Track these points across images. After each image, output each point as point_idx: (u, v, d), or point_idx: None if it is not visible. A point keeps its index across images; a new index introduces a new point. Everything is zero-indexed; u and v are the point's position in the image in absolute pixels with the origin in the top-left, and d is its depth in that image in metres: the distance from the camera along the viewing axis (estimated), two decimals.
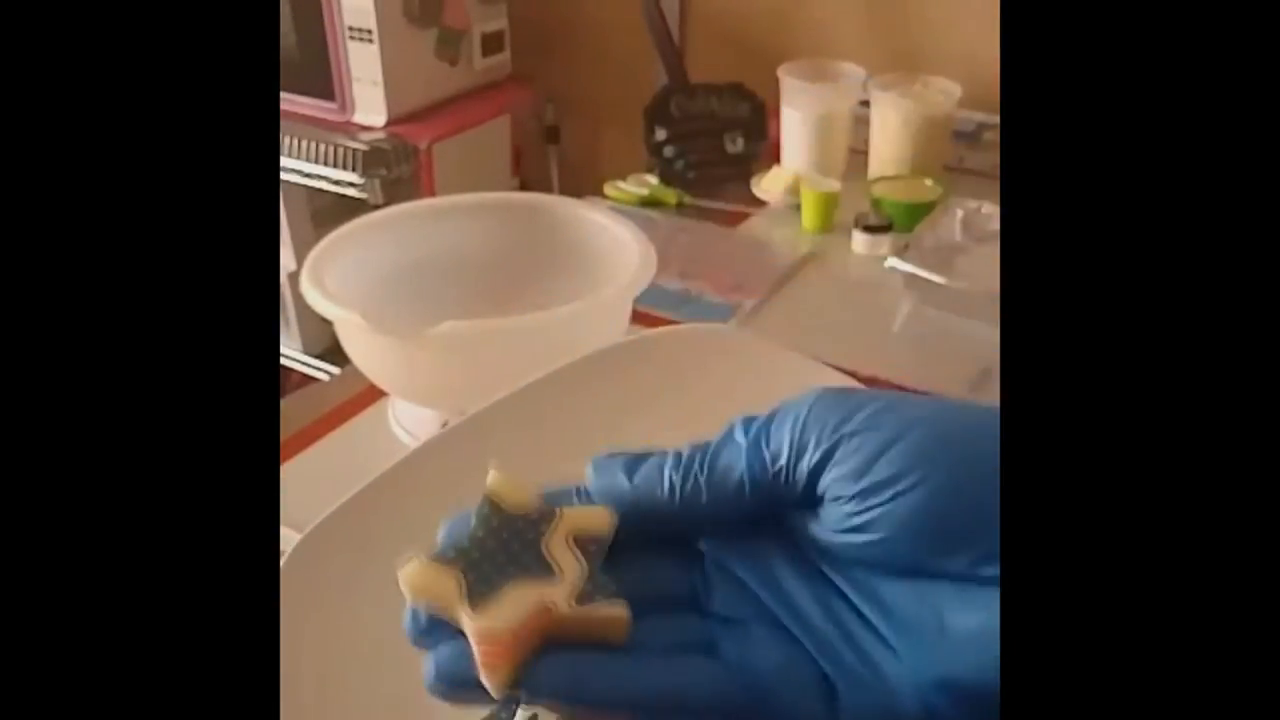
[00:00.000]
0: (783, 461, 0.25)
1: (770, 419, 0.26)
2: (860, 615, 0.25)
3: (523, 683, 0.24)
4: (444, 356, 0.54)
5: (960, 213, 0.83)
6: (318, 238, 0.60)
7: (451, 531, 0.26)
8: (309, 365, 1.48)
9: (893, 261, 0.77)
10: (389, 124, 1.31)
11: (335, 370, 0.97)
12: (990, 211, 0.84)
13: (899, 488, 0.23)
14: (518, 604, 0.24)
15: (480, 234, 0.66)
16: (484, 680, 0.24)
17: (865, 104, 1.00)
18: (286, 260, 1.42)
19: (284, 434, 0.61)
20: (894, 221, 0.86)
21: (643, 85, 1.29)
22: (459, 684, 0.24)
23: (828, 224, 0.92)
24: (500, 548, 0.25)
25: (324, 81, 1.31)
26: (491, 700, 0.25)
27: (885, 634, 0.24)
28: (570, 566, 0.25)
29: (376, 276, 0.61)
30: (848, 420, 0.24)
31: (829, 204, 0.91)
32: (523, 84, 1.49)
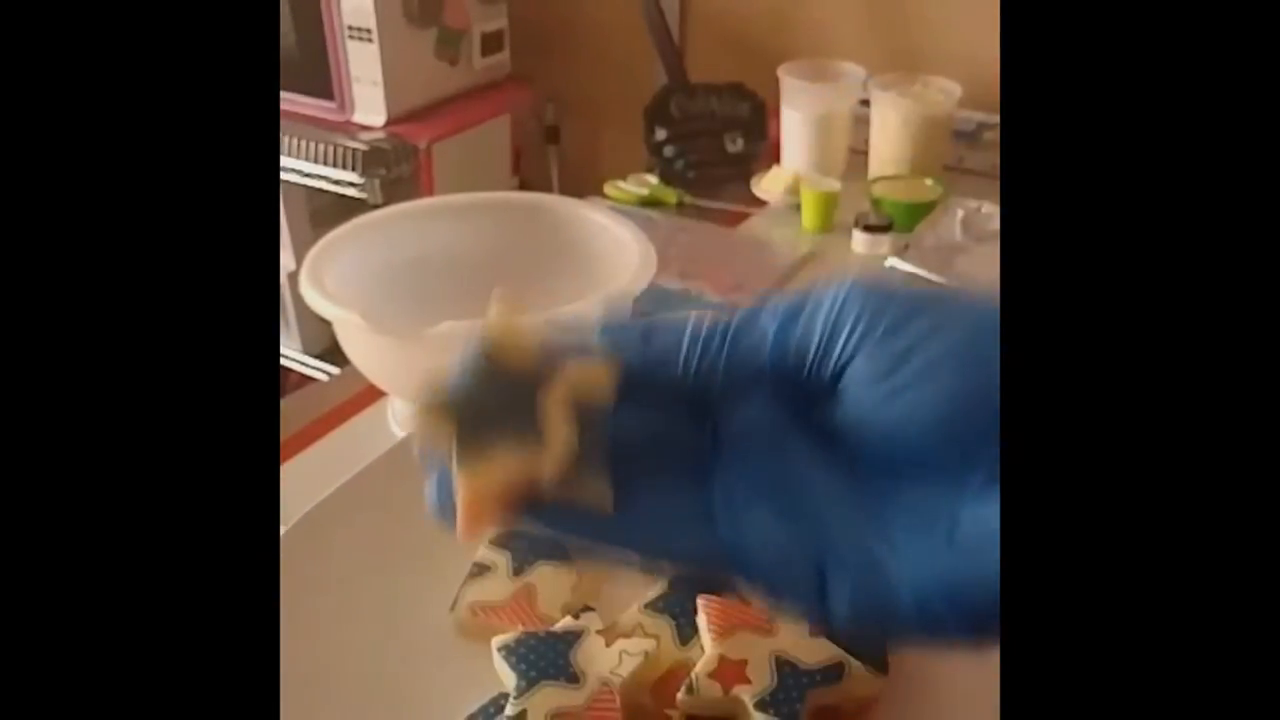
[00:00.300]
0: (809, 356, 0.24)
1: (800, 308, 0.25)
2: (870, 511, 0.24)
3: (519, 522, 0.24)
4: (443, 357, 0.54)
5: (960, 212, 0.83)
6: (317, 238, 0.60)
7: (458, 366, 0.25)
8: (308, 365, 1.48)
9: (893, 261, 0.77)
10: (388, 124, 1.31)
11: (334, 370, 0.97)
12: (990, 211, 0.84)
13: (923, 393, 0.23)
14: (502, 469, 0.24)
15: (480, 234, 0.66)
16: (461, 530, 0.24)
17: (865, 104, 1.00)
18: (286, 260, 1.42)
19: (283, 434, 0.61)
20: (894, 221, 0.86)
21: (643, 85, 1.29)
22: (448, 513, 0.25)
23: (828, 224, 0.92)
24: (493, 405, 0.24)
25: (323, 81, 1.31)
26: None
27: (893, 533, 0.24)
28: (560, 438, 0.24)
29: (375, 276, 0.61)
30: (878, 320, 0.23)
31: (829, 204, 0.91)
32: (522, 84, 1.49)
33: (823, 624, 0.25)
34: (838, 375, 0.24)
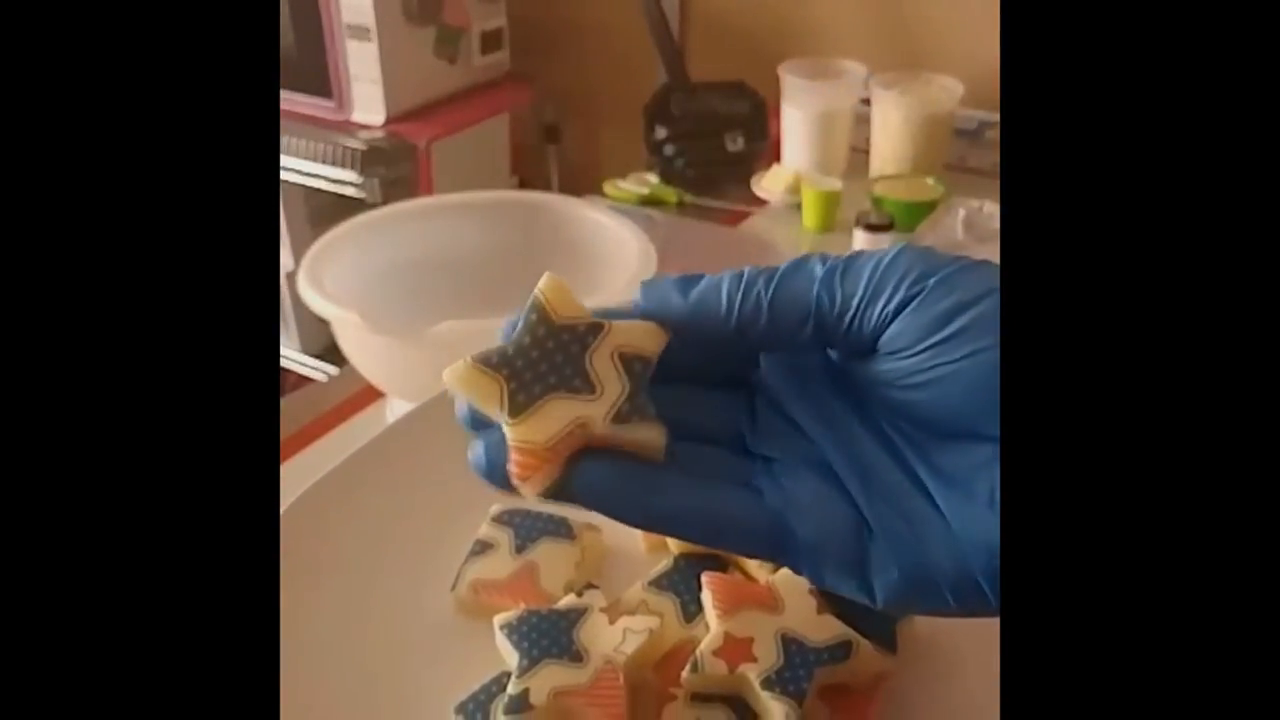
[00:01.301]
0: (855, 301, 0.24)
1: (850, 261, 0.24)
2: (910, 472, 0.24)
3: (561, 486, 0.24)
4: (442, 356, 0.54)
5: (962, 212, 0.83)
6: (315, 237, 0.60)
7: (504, 334, 0.26)
8: (307, 365, 1.48)
9: None
10: (387, 122, 1.30)
11: (333, 370, 0.96)
12: (992, 210, 0.83)
13: (974, 347, 0.22)
14: (555, 417, 0.24)
15: (479, 233, 0.66)
16: (517, 487, 0.24)
17: (866, 102, 1.00)
18: (284, 260, 1.41)
19: (282, 434, 0.61)
20: (895, 220, 0.86)
21: (643, 83, 1.28)
22: (497, 475, 0.25)
23: (829, 223, 0.91)
24: (544, 358, 0.25)
25: (322, 80, 1.31)
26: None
27: (935, 494, 0.24)
28: (611, 384, 0.25)
29: (374, 276, 0.61)
30: (930, 274, 0.23)
31: (830, 203, 0.91)
32: (522, 82, 1.49)
33: (867, 600, 0.24)
34: (880, 330, 0.24)
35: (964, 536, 0.23)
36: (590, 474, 0.24)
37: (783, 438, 0.26)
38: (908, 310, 0.23)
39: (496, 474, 0.25)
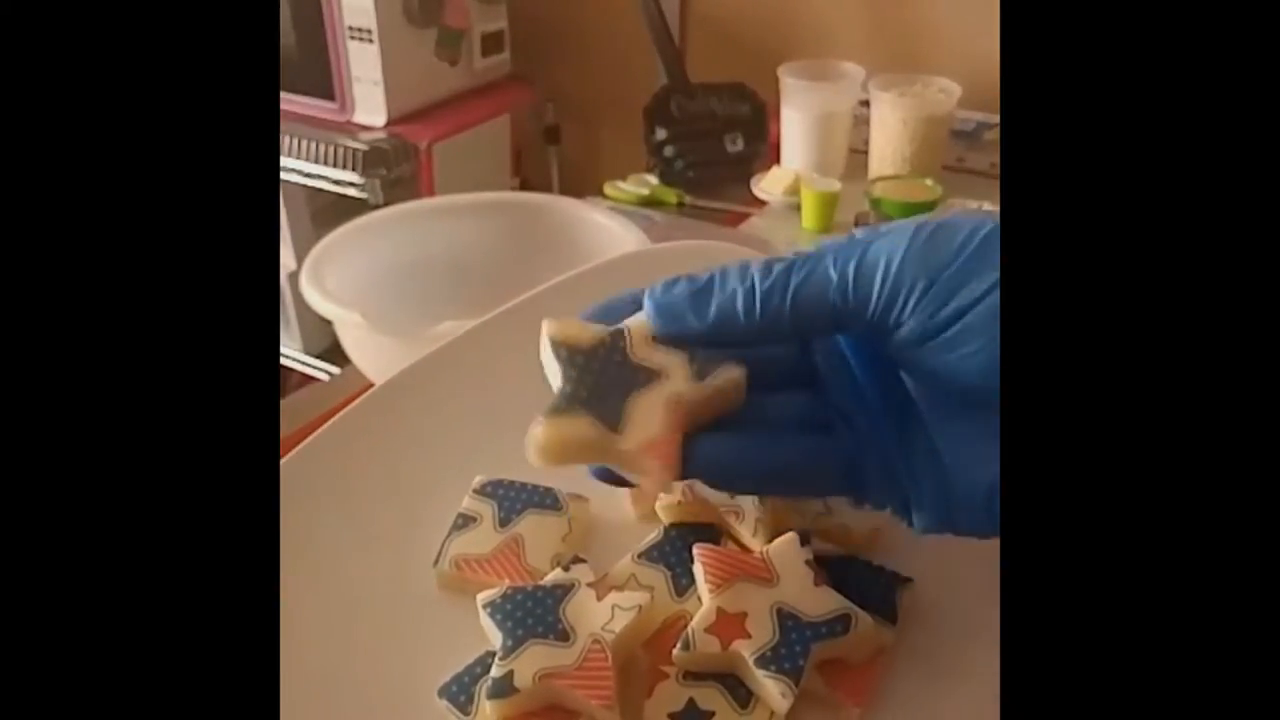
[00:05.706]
0: (871, 308, 0.27)
1: (863, 258, 0.27)
2: (935, 428, 0.28)
3: (685, 469, 0.27)
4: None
5: (959, 213, 0.83)
6: (318, 237, 0.60)
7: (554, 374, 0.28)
8: (309, 365, 1.48)
9: None
10: (389, 124, 1.31)
11: (335, 370, 0.97)
12: (990, 211, 0.84)
13: (966, 350, 0.25)
14: (652, 409, 0.27)
15: (480, 234, 0.66)
16: (657, 484, 0.27)
17: (865, 104, 1.00)
18: (287, 260, 1.42)
19: (284, 433, 0.61)
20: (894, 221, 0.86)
21: (643, 85, 1.29)
22: (610, 476, 0.29)
23: (828, 224, 0.92)
24: (599, 377, 0.27)
25: (324, 81, 1.31)
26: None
27: (957, 447, 0.28)
28: (668, 359, 0.28)
29: (376, 276, 0.61)
30: (934, 278, 0.26)
31: (829, 204, 0.91)
32: (523, 84, 1.49)
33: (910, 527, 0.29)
34: (896, 328, 0.27)
35: (968, 481, 0.27)
36: (703, 452, 0.27)
37: (848, 392, 0.30)
38: (913, 316, 0.26)
39: (609, 475, 0.29)
